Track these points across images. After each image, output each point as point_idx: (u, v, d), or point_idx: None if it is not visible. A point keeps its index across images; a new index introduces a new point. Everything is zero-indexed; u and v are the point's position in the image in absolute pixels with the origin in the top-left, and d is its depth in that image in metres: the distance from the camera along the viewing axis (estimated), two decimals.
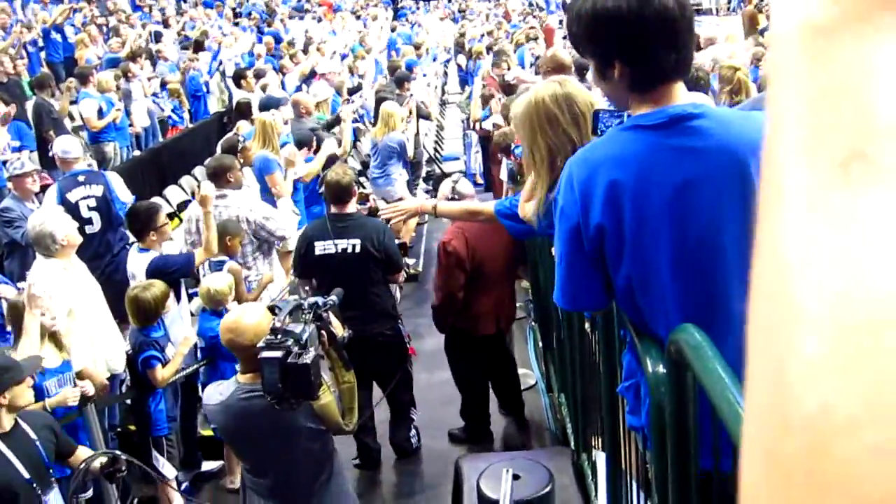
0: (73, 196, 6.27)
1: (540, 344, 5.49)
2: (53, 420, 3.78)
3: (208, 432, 5.32)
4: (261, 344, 2.87)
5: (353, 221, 4.71)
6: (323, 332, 3.06)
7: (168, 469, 4.67)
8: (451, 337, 4.99)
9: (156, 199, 7.23)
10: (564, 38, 12.07)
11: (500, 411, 5.34)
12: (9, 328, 4.37)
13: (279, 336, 2.85)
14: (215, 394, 3.18)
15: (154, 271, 4.89)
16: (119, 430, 5.20)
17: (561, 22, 17.63)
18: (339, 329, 3.21)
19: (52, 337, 4.13)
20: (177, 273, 5.03)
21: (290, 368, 2.79)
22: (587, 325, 3.26)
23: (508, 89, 8.41)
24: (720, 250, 1.89)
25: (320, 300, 3.11)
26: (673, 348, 1.83)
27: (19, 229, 5.94)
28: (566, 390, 4.32)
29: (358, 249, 4.59)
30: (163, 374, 4.62)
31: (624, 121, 2.09)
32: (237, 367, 3.23)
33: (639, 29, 1.85)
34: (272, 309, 3.06)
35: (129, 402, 5.02)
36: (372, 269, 4.70)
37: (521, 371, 5.42)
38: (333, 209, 4.77)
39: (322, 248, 4.61)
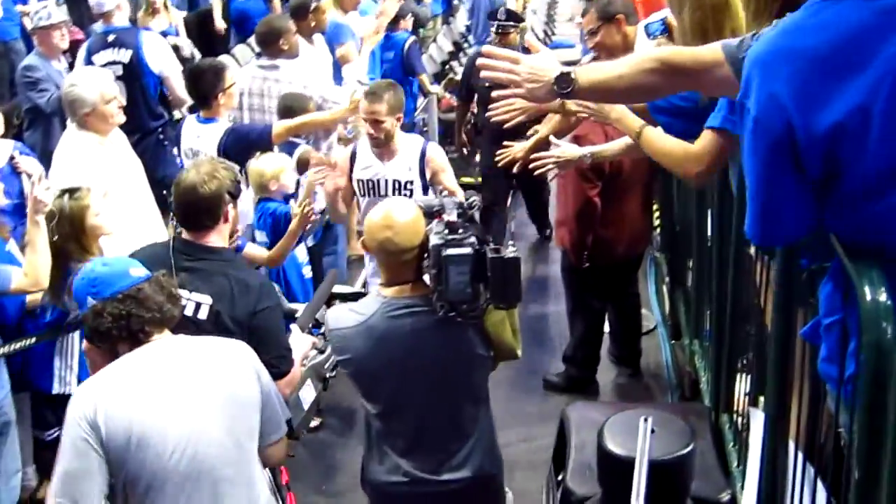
0: (98, 59, 6.14)
1: (666, 279, 5.46)
2: None
3: None
4: (436, 241, 2.89)
5: (209, 262, 3.19)
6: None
7: None
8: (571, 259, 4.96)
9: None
10: None
11: (609, 358, 5.34)
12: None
13: (459, 231, 2.90)
14: (348, 313, 3.09)
15: (233, 144, 4.77)
16: None
17: None
18: None
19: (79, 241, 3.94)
20: (256, 147, 4.91)
21: (495, 265, 2.83)
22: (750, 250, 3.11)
23: None
24: None
25: (463, 200, 3.13)
26: None
27: (44, 93, 5.95)
28: (701, 336, 4.26)
29: (203, 314, 3.11)
30: (271, 254, 4.61)
31: None
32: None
33: None
34: None
35: None
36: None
37: None
38: (185, 234, 3.26)
39: None
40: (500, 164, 4.52)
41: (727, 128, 2.80)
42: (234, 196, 3.19)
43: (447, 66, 9.60)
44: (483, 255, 2.89)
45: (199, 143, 4.97)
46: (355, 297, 3.43)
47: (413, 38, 7.99)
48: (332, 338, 3.13)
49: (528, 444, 4.69)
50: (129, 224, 4.44)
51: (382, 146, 4.65)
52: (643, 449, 2.50)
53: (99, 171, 4.47)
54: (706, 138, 2.90)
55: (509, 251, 2.88)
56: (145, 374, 2.57)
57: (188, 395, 2.57)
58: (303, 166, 5.13)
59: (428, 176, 4.68)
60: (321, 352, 3.34)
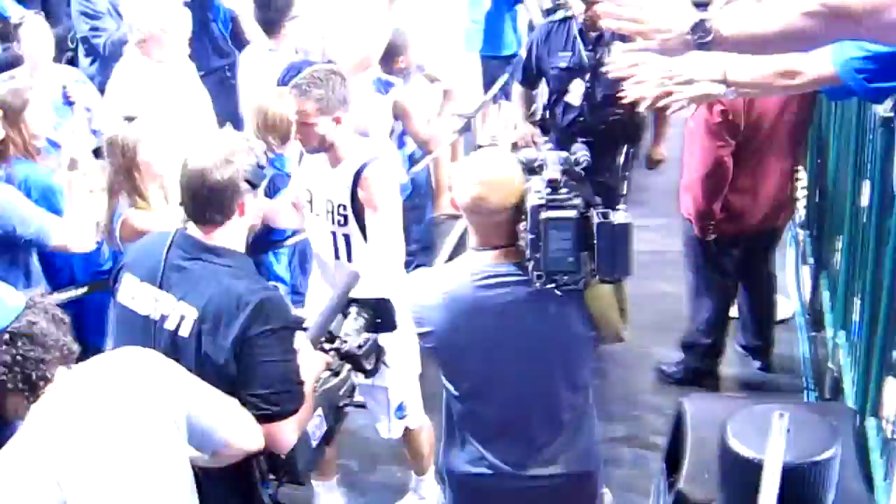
0: None
1: (809, 260, 5.35)
2: None
3: None
4: (535, 201, 2.71)
5: (205, 264, 2.75)
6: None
7: None
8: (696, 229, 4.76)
9: None
10: None
11: (735, 348, 5.12)
12: None
13: (562, 191, 2.72)
14: (432, 282, 2.96)
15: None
16: None
17: None
18: None
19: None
20: None
21: (603, 231, 2.67)
22: None
23: None
24: None
25: (567, 155, 2.90)
26: None
27: (101, 34, 5.53)
28: (848, 328, 4.16)
29: (186, 331, 2.68)
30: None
31: None
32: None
33: None
34: None
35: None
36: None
37: None
38: (191, 227, 2.86)
39: (132, 296, 2.81)
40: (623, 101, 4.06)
41: None
42: (255, 185, 2.74)
43: None
44: (589, 219, 2.73)
45: (258, 75, 4.90)
46: (379, 305, 3.01)
47: None
48: (412, 308, 2.99)
49: (634, 441, 4.58)
50: None
51: (327, 152, 3.68)
52: (776, 450, 2.29)
53: (156, 103, 4.35)
54: None
55: (620, 216, 2.71)
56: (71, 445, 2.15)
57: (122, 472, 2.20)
58: (399, 111, 5.03)
59: (360, 199, 3.65)
60: (335, 374, 2.87)
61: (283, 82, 4.53)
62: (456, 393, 3.00)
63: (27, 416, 2.13)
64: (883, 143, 3.33)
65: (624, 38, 4.37)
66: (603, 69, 4.40)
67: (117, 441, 2.19)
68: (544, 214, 2.70)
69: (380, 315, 2.93)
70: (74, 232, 3.69)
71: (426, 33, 5.71)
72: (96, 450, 2.15)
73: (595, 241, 2.70)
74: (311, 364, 2.77)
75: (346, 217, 3.65)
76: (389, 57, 5.15)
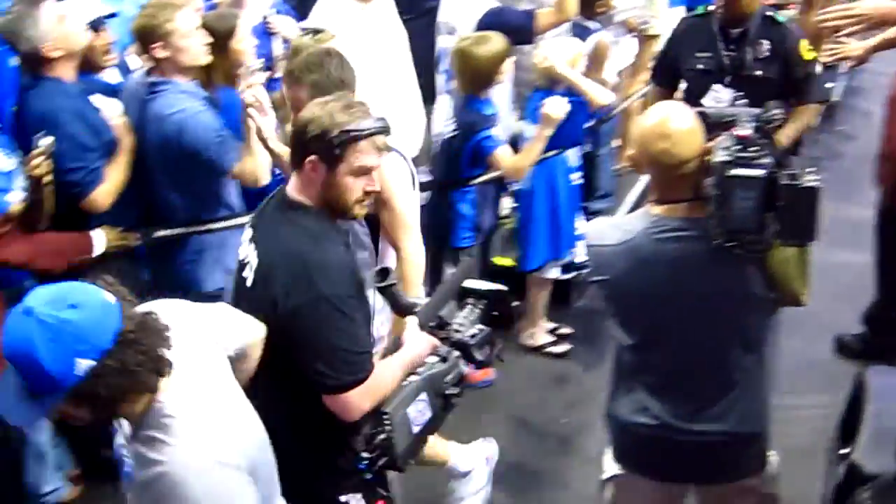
0: None
1: None
2: None
3: (505, 261, 5.26)
4: (722, 158, 2.66)
5: (283, 215, 2.73)
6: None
7: None
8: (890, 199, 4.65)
9: None
10: None
11: None
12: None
13: (752, 149, 2.65)
14: (611, 229, 2.94)
15: (490, 25, 4.66)
16: None
17: None
18: None
19: None
20: (515, 34, 4.67)
21: (789, 193, 2.62)
22: None
23: None
24: None
25: (759, 111, 2.82)
26: None
27: None
28: None
29: (250, 279, 2.72)
30: (516, 160, 4.45)
31: None
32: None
33: None
34: None
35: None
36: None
37: None
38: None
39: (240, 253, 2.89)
40: (828, 62, 4.00)
41: None
42: (330, 150, 2.55)
43: None
44: (776, 180, 2.65)
45: (456, 17, 4.88)
46: (491, 295, 2.92)
47: None
48: (591, 255, 3.00)
49: (805, 408, 4.49)
50: (382, 103, 4.26)
51: None
52: None
53: (354, 35, 4.32)
54: None
55: (808, 178, 2.64)
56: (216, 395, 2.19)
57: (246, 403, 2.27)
58: (600, 55, 4.92)
59: None
60: (443, 359, 2.77)
61: (480, 26, 4.57)
62: (627, 342, 2.97)
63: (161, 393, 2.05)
64: None
65: (771, 39, 4.26)
66: (745, 72, 4.26)
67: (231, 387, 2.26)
68: (731, 171, 2.64)
69: (495, 307, 2.88)
70: (254, 163, 3.73)
71: None
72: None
73: (780, 203, 2.65)
74: (419, 345, 2.74)
75: None
76: (590, 1, 5.09)
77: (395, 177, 3.37)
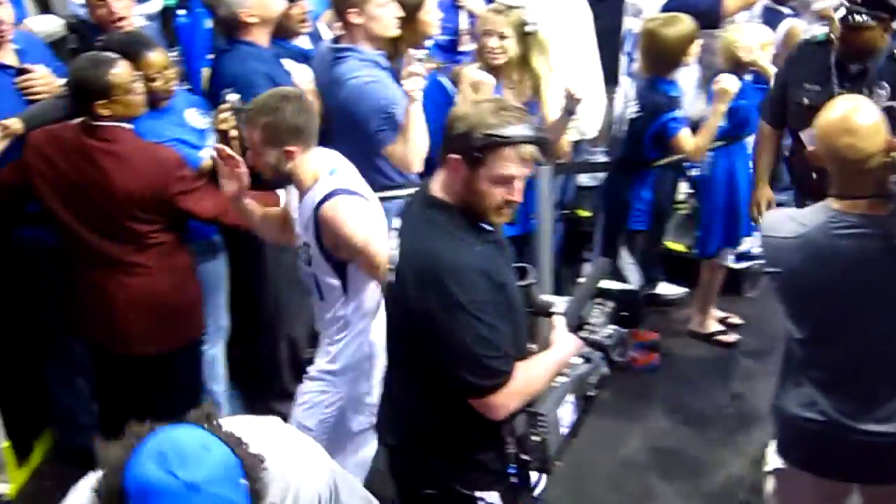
0: None
1: None
2: None
3: (678, 246, 5.25)
4: None
5: (423, 211, 2.62)
6: None
7: (633, 274, 4.59)
8: None
9: None
10: None
11: None
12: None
13: None
14: (787, 221, 2.89)
15: (676, 7, 4.60)
16: (566, 211, 5.19)
17: None
18: None
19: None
20: (699, 18, 4.56)
21: None
22: None
23: None
24: None
25: None
26: None
27: None
28: None
29: (391, 276, 2.64)
30: (696, 140, 4.39)
31: None
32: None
33: None
34: None
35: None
36: None
37: None
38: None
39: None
40: None
41: None
42: (472, 151, 2.42)
43: None
44: None
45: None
46: (625, 297, 2.83)
47: None
48: (765, 245, 2.96)
49: None
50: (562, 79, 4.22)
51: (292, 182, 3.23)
52: None
53: (538, 13, 4.24)
54: None
55: None
56: None
57: None
58: (791, 42, 4.72)
59: (325, 242, 3.13)
60: (587, 360, 2.72)
61: (666, 8, 4.53)
62: (798, 336, 2.92)
63: None
64: None
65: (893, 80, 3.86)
66: None
67: None
68: None
69: (625, 308, 2.79)
70: (404, 149, 3.73)
71: None
72: None
73: None
74: (565, 346, 2.65)
75: (310, 258, 3.20)
76: None
77: (360, 220, 3.12)
